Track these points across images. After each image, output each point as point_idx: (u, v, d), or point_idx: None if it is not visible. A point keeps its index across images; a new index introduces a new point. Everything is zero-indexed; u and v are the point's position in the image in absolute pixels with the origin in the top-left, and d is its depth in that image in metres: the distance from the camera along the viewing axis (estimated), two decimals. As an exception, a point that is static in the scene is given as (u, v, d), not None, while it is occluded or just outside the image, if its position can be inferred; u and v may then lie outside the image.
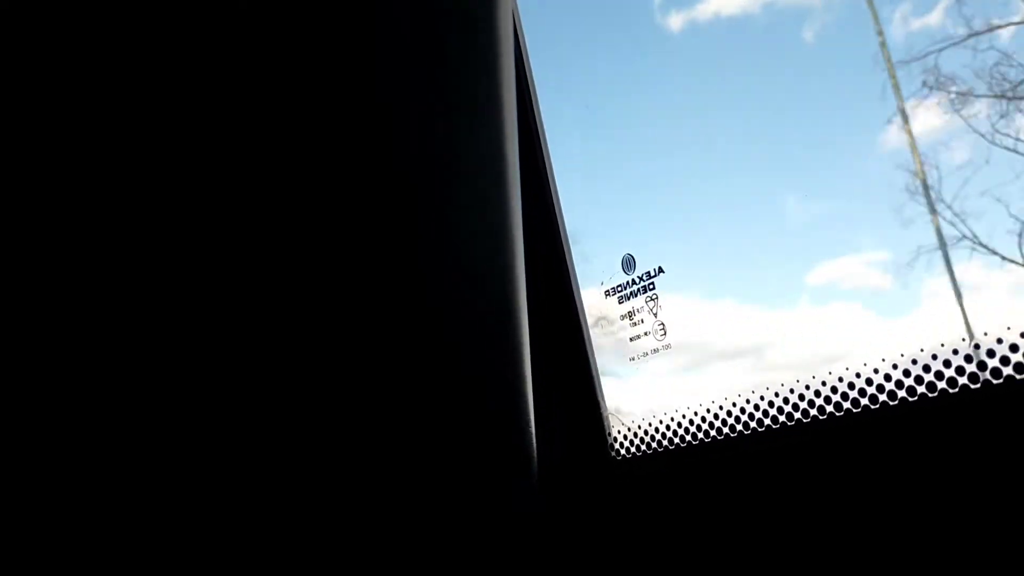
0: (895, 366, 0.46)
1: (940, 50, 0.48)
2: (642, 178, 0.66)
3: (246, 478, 0.45)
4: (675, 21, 0.65)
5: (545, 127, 0.71)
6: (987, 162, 0.47)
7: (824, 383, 0.50)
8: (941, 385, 0.44)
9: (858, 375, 0.48)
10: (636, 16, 0.67)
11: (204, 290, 0.44)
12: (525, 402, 0.57)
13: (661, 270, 0.60)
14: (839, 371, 0.49)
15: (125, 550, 0.42)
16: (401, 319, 0.50)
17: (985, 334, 0.42)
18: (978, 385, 0.43)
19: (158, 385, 0.44)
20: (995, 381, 0.42)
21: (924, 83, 0.48)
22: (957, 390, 0.44)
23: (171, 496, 0.44)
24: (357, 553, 0.47)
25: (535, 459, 0.55)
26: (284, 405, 0.46)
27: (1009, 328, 0.42)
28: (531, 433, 0.57)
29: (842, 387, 0.49)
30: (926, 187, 0.49)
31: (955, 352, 0.43)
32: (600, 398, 0.67)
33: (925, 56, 0.48)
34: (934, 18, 0.49)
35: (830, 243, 0.53)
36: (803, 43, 0.56)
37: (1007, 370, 0.42)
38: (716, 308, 0.58)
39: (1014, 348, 0.41)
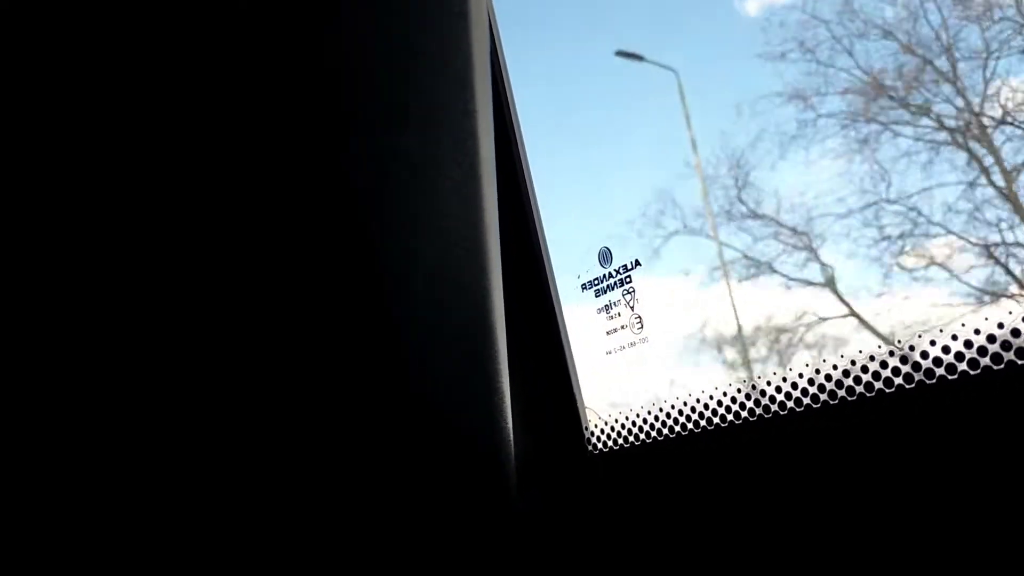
0: (871, 357, 0.46)
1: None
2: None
3: (222, 484, 0.44)
4: (751, 5, 0.63)
5: (522, 123, 0.70)
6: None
7: (801, 375, 0.49)
8: (905, 379, 0.44)
9: (835, 366, 0.48)
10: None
11: (164, 295, 0.43)
12: (502, 398, 0.56)
13: (638, 263, 0.60)
14: (818, 361, 0.49)
15: (108, 547, 0.41)
16: (375, 316, 0.49)
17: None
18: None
19: (106, 395, 0.43)
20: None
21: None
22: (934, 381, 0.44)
23: (133, 499, 0.43)
24: (332, 555, 0.46)
25: (512, 456, 0.55)
26: (254, 410, 0.45)
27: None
28: (508, 430, 0.56)
29: (819, 379, 0.49)
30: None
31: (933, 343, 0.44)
32: (576, 392, 0.67)
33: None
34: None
35: (919, 226, 0.52)
36: (886, 22, 0.54)
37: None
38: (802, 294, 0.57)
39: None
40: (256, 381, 0.46)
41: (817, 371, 0.49)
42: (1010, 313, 0.41)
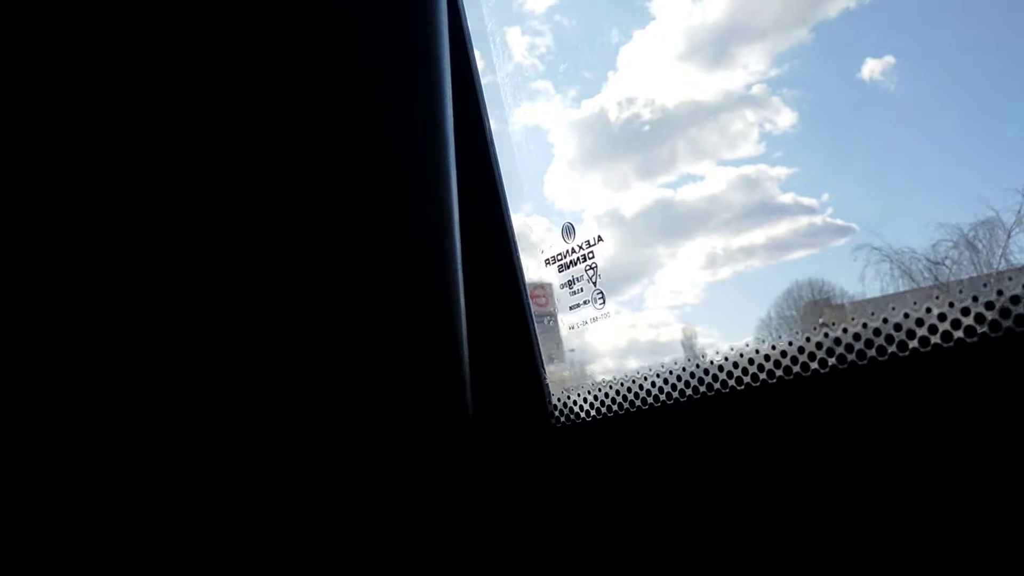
0: (845, 330, 0.47)
1: None
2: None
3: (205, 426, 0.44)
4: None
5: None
6: None
7: (774, 347, 0.49)
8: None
9: (789, 342, 0.48)
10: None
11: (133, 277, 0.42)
12: (462, 371, 0.57)
13: (600, 239, 0.60)
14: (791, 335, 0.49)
15: (91, 536, 0.42)
16: (333, 285, 0.48)
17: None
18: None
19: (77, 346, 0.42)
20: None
21: None
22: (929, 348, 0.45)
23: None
24: (282, 530, 0.46)
25: (471, 430, 0.55)
26: (213, 363, 0.45)
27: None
28: (468, 404, 0.56)
29: (792, 351, 0.49)
30: None
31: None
32: (540, 365, 0.67)
33: None
34: None
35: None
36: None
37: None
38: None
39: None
40: (213, 339, 0.45)
41: (773, 347, 0.49)
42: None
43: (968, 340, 0.41)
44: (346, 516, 0.49)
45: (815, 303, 0.54)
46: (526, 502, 0.64)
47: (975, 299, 0.41)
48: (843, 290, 0.51)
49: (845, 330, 0.46)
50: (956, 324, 0.42)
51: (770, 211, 0.62)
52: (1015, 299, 0.40)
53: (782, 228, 0.61)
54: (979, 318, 0.41)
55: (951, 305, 0.42)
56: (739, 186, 0.64)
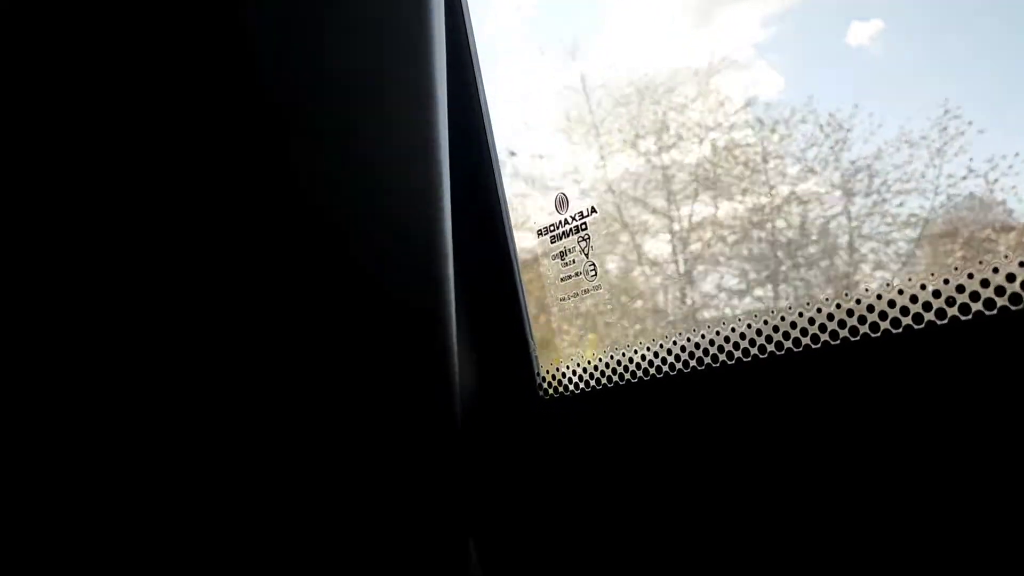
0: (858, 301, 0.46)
1: None
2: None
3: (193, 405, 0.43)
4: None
5: (479, 52, 0.67)
6: None
7: (767, 321, 0.49)
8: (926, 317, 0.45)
9: (800, 313, 0.48)
10: None
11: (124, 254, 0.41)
12: (449, 338, 0.56)
13: (593, 210, 0.59)
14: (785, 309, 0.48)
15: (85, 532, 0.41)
16: (318, 259, 0.47)
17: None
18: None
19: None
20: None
21: None
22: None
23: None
24: (268, 510, 0.46)
25: (458, 403, 0.55)
26: (198, 343, 0.44)
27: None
28: (454, 371, 0.56)
29: (784, 326, 0.48)
30: None
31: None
32: (529, 336, 0.67)
33: None
34: None
35: None
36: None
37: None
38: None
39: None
40: (196, 321, 0.44)
41: (782, 318, 0.48)
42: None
43: None
44: (333, 490, 0.49)
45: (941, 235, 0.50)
46: (513, 473, 0.64)
47: None
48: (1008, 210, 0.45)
49: (838, 305, 0.45)
50: None
51: (755, 179, 0.61)
52: None
53: (765, 196, 0.61)
54: None
55: None
56: (724, 153, 0.64)
